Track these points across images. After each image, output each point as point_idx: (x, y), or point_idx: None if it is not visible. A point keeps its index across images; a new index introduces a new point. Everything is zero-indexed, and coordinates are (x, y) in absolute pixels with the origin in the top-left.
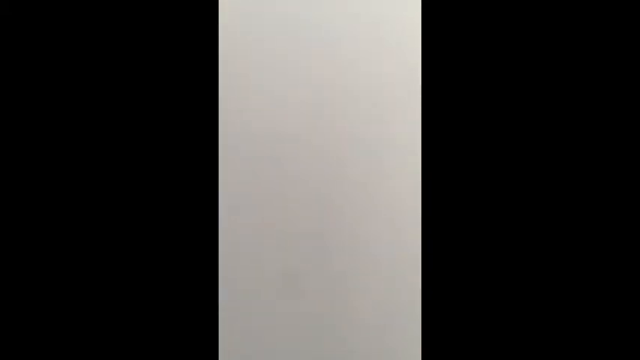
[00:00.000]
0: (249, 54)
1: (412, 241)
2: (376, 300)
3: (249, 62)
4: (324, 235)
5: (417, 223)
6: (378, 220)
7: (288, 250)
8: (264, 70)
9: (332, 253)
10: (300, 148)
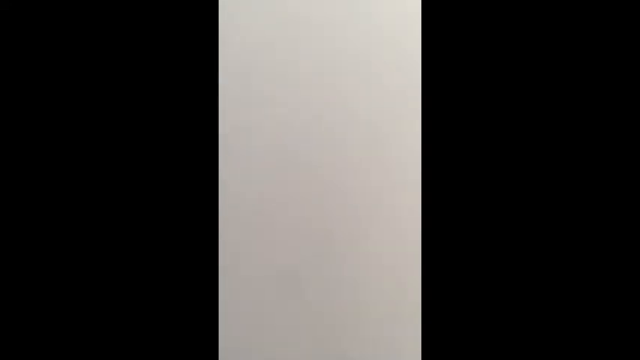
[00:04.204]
0: (248, 53)
1: (412, 241)
2: (376, 300)
3: (248, 62)
4: (325, 234)
5: (417, 223)
6: (379, 220)
7: (288, 250)
8: (263, 69)
9: (332, 253)
10: (300, 147)
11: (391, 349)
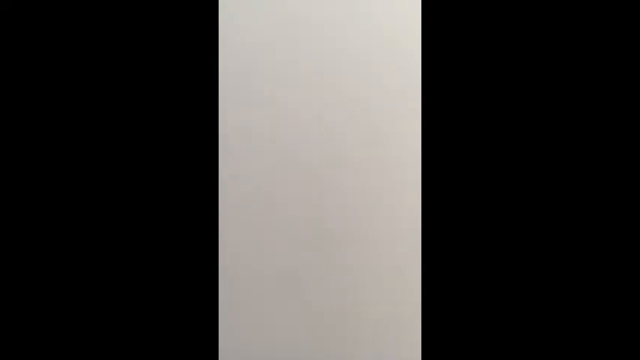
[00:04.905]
0: (248, 53)
1: (412, 241)
2: (376, 300)
3: (248, 62)
4: (325, 234)
5: (418, 223)
6: (379, 220)
7: (288, 250)
8: (263, 69)
9: (332, 253)
10: (300, 147)
11: (391, 349)
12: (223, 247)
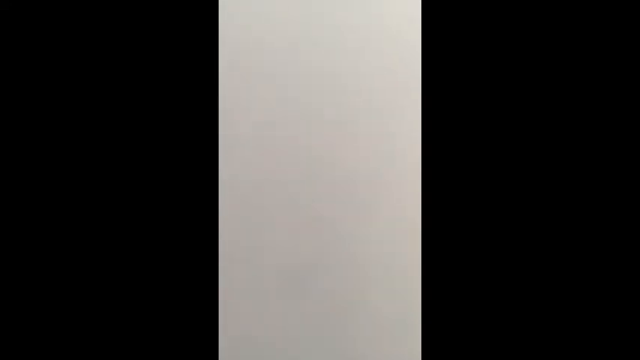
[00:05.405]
0: (248, 53)
1: (413, 241)
2: (376, 299)
3: (248, 62)
4: (325, 234)
5: (418, 223)
6: (379, 220)
7: (288, 250)
8: (263, 69)
9: (332, 253)
10: (300, 148)
11: (392, 348)
12: (223, 247)
